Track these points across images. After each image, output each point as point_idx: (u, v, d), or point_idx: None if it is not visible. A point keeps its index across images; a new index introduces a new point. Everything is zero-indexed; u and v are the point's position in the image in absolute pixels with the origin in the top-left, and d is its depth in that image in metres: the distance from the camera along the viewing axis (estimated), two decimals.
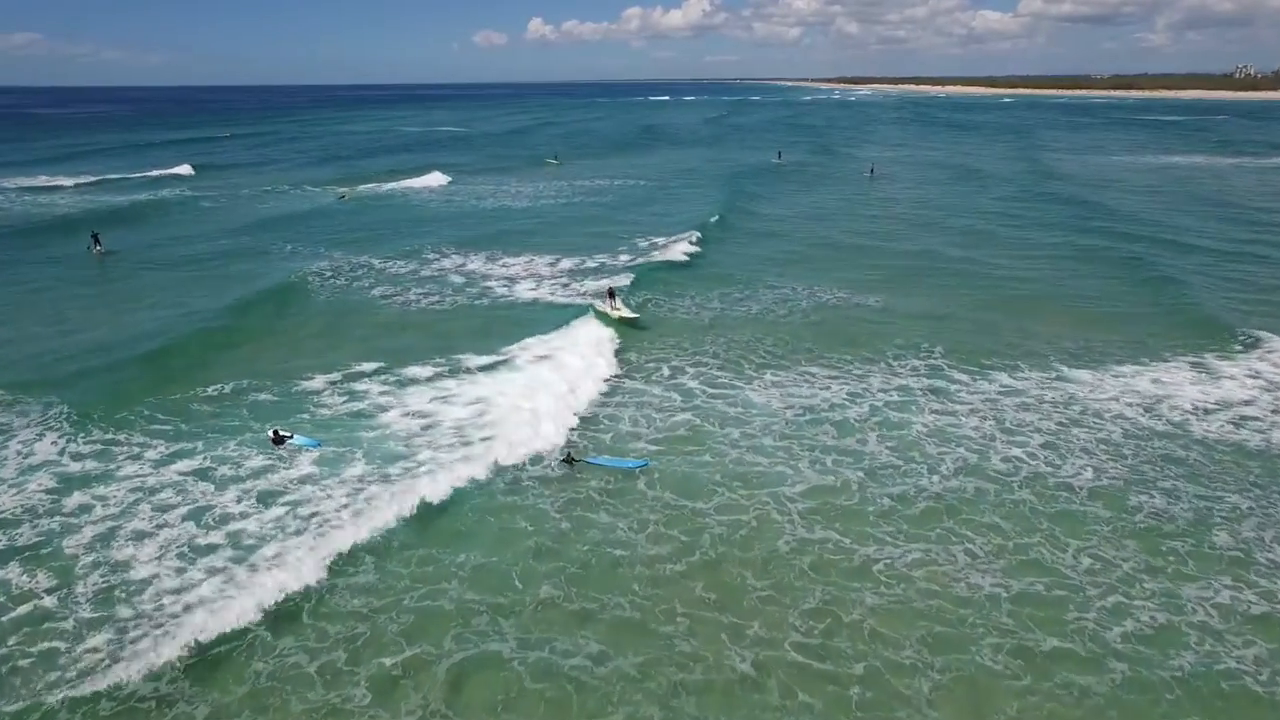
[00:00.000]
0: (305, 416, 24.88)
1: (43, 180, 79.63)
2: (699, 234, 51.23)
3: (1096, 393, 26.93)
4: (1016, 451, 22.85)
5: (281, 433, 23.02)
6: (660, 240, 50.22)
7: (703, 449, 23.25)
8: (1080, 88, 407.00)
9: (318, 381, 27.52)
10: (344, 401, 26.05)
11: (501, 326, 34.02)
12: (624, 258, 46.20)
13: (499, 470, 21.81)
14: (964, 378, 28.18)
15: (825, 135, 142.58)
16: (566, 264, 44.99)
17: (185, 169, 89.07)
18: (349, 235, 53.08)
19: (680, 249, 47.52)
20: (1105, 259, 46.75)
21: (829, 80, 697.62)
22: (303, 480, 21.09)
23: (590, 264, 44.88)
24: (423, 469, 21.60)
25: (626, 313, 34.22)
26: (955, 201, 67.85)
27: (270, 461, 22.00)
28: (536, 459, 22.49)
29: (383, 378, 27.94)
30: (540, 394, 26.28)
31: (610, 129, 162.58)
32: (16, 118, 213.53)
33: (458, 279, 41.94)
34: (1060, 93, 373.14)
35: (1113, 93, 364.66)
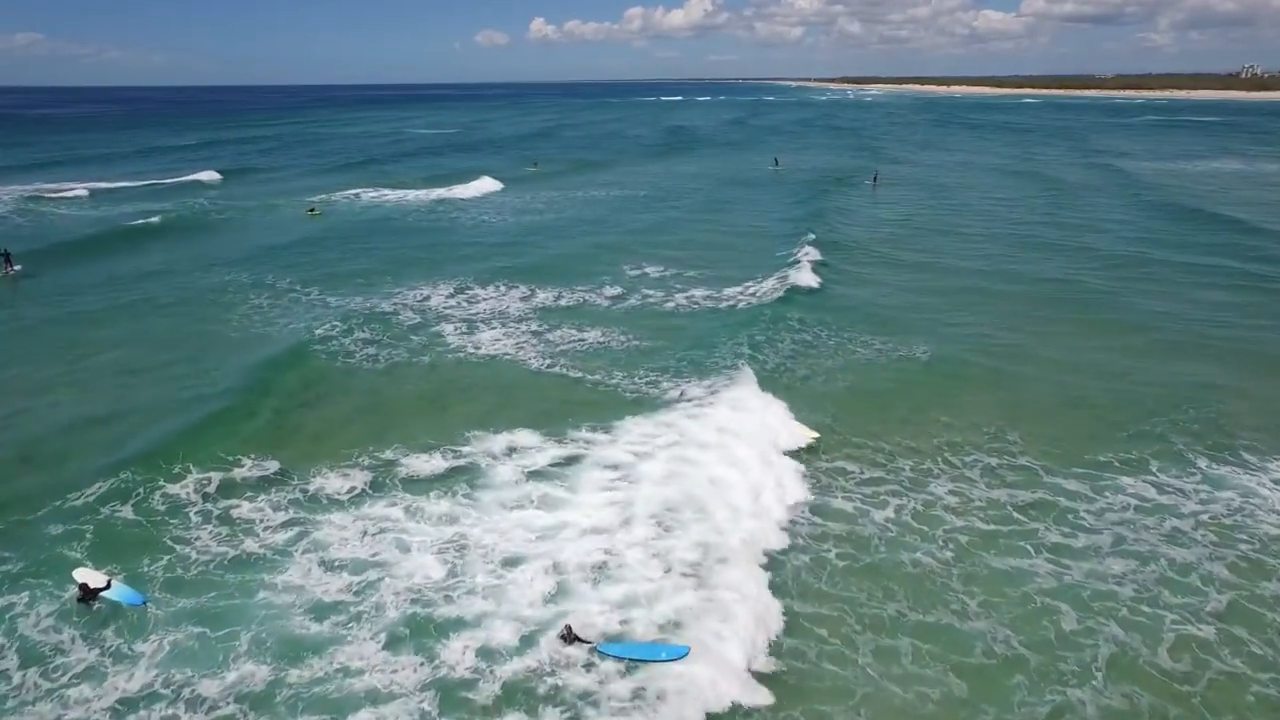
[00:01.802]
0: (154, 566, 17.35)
1: (63, 189, 71.41)
2: (816, 259, 42.86)
3: (1273, 510, 19.20)
4: (1197, 630, 15.16)
5: (92, 584, 15.64)
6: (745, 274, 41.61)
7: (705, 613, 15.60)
8: (1089, 87, 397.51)
9: (185, 487, 19.96)
10: (227, 537, 18.47)
11: (549, 415, 24.47)
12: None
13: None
14: (1076, 486, 20.41)
15: (862, 137, 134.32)
16: (600, 306, 36.35)
17: (210, 175, 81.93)
18: (339, 266, 44.14)
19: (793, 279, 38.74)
20: (1233, 283, 39.15)
21: (832, 80, 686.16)
22: (128, 702, 13.52)
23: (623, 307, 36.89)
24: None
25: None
26: (1027, 214, 59.39)
27: (85, 658, 14.43)
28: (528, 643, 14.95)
29: (291, 489, 20.37)
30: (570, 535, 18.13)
31: (636, 131, 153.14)
32: (19, 119, 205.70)
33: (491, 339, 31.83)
34: (1083, 93, 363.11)
35: (1124, 92, 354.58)
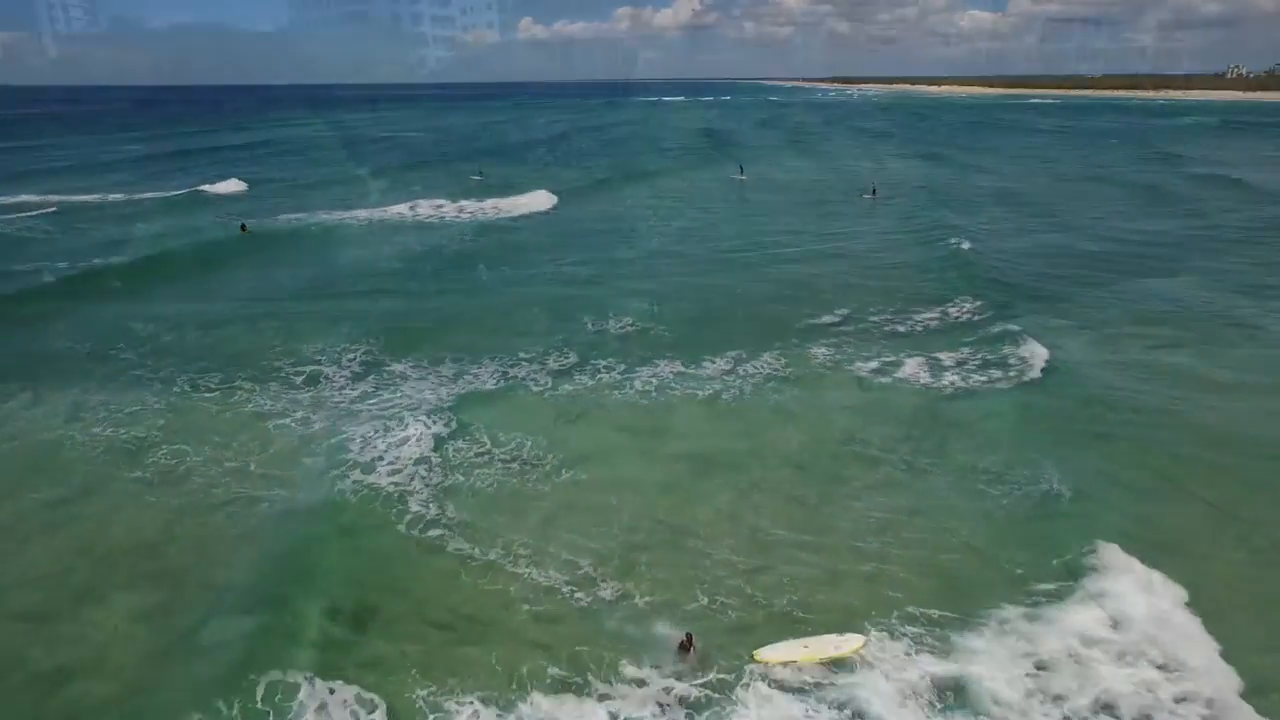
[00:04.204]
0: None
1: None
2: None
3: None
4: None
5: None
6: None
7: None
8: (1082, 87, 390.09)
9: None
10: None
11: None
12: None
13: None
14: None
15: (903, 140, 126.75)
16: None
17: (233, 185, 75.21)
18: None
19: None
20: None
21: (823, 80, 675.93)
22: None
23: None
24: None
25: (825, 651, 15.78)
26: (1183, 241, 51.31)
27: None
28: None
29: None
30: None
31: (659, 134, 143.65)
32: (23, 119, 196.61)
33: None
34: (1089, 93, 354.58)
35: (1126, 92, 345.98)
